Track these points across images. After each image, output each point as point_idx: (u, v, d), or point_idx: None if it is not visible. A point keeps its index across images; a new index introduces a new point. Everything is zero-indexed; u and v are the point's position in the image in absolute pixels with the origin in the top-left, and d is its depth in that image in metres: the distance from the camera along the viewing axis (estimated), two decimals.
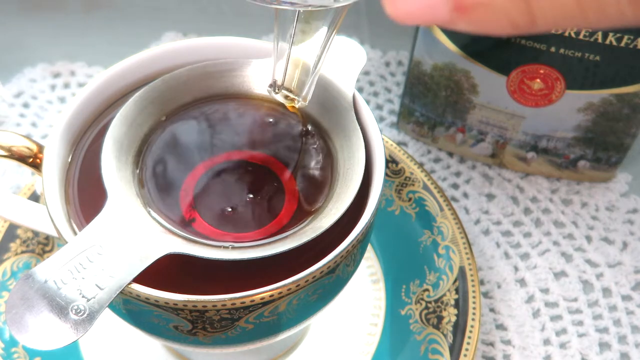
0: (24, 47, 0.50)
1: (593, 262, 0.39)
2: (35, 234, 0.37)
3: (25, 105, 0.47)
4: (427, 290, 0.35)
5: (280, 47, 0.25)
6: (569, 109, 0.38)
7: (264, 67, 0.29)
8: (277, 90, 0.27)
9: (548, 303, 0.38)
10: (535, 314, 0.37)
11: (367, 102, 0.30)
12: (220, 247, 0.25)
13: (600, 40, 0.34)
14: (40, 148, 0.28)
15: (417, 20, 0.17)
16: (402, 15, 0.17)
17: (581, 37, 0.34)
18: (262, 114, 0.29)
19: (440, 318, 0.34)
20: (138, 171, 0.27)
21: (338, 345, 0.35)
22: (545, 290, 0.38)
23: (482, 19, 0.16)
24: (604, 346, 0.36)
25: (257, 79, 0.29)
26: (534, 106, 0.38)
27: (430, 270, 0.36)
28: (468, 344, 0.33)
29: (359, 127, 0.27)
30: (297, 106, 0.27)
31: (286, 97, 0.27)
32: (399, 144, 0.43)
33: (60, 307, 0.21)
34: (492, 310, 0.37)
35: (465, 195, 0.42)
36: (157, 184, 0.27)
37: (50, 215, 0.25)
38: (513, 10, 0.16)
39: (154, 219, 0.25)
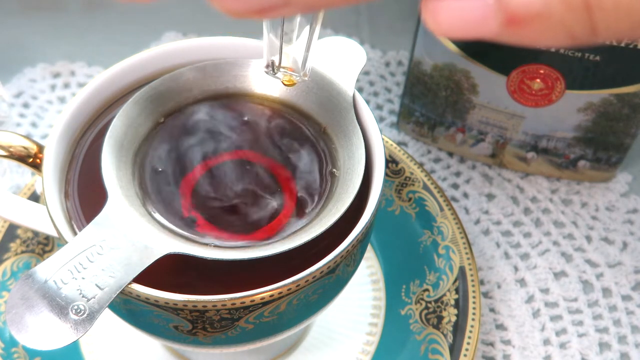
0: (24, 47, 0.50)
1: (593, 262, 0.39)
2: (35, 234, 0.37)
3: (25, 105, 0.47)
4: (427, 290, 0.35)
5: (272, 25, 0.25)
6: (569, 109, 0.38)
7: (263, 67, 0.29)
8: (275, 70, 0.26)
9: (548, 303, 0.38)
10: (535, 314, 0.37)
11: (367, 102, 0.30)
12: (219, 247, 0.25)
13: None
14: (40, 148, 0.28)
15: (462, 34, 0.15)
16: (446, 29, 0.15)
17: None
18: (262, 114, 0.29)
19: (440, 318, 0.34)
20: (138, 171, 0.27)
21: (338, 345, 0.35)
22: (545, 290, 0.38)
23: (536, 32, 0.15)
24: (604, 346, 0.36)
25: (257, 79, 0.29)
26: (534, 106, 0.38)
27: (430, 270, 0.36)
28: (468, 344, 0.33)
29: (359, 127, 0.27)
30: (297, 81, 0.27)
31: (285, 74, 0.26)
32: (399, 144, 0.43)
33: (60, 307, 0.21)
34: (492, 310, 0.37)
35: (465, 195, 0.42)
36: (157, 183, 0.27)
37: (50, 215, 0.25)
38: (572, 22, 0.14)
39: (154, 219, 0.25)
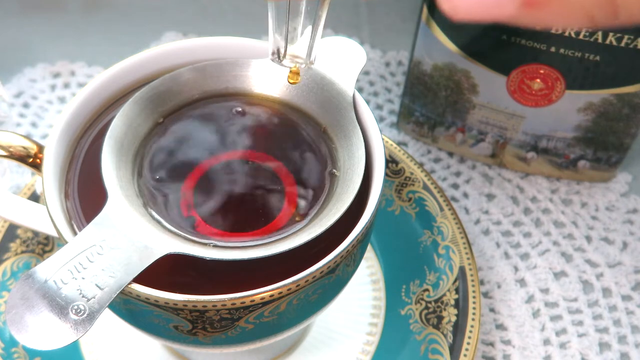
0: (24, 47, 0.50)
1: (593, 262, 0.39)
2: (35, 234, 0.37)
3: (25, 105, 0.47)
4: (427, 290, 0.35)
5: (277, 13, 0.25)
6: (569, 109, 0.38)
7: (264, 67, 0.29)
8: (281, 57, 0.26)
9: (548, 303, 0.38)
10: (535, 314, 0.37)
11: (367, 102, 0.30)
12: (220, 247, 0.25)
13: (600, 40, 0.34)
14: (40, 148, 0.28)
15: (479, 17, 0.15)
16: (462, 12, 0.15)
17: (581, 37, 0.34)
18: (262, 114, 0.29)
19: (440, 318, 0.34)
20: (138, 171, 0.27)
21: (338, 345, 0.35)
22: (545, 290, 0.38)
23: (554, 14, 0.15)
24: (604, 346, 0.36)
25: (257, 79, 0.29)
26: (534, 106, 0.38)
27: (430, 270, 0.36)
28: (468, 344, 0.33)
29: (359, 127, 0.27)
30: (303, 69, 0.27)
31: (292, 62, 0.26)
32: (399, 144, 0.43)
33: (60, 307, 0.21)
34: (492, 310, 0.37)
35: (465, 195, 0.42)
36: (157, 184, 0.27)
37: (50, 215, 0.25)
38: (592, 3, 0.14)
39: (154, 219, 0.25)
